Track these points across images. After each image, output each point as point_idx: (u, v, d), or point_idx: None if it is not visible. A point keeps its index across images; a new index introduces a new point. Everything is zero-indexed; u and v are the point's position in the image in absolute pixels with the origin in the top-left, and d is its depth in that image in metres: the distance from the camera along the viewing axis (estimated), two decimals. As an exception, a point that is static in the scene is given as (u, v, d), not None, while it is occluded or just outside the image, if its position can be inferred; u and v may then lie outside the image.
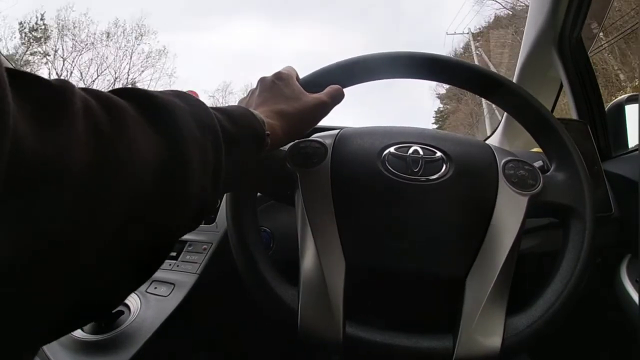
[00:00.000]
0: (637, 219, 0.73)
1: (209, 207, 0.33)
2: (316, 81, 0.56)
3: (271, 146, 0.43)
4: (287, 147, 0.54)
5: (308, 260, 0.49)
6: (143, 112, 0.27)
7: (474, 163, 0.55)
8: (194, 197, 0.30)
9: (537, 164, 0.64)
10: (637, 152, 0.78)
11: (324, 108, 0.50)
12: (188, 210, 0.30)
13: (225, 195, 0.53)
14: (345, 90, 0.54)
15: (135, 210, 0.24)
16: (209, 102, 0.37)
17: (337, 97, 0.52)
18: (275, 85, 0.49)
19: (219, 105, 0.39)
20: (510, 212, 0.51)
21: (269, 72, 0.51)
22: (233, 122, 0.37)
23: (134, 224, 0.25)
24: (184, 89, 0.36)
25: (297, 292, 0.49)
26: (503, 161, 0.55)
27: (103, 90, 0.27)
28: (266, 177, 0.54)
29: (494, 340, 0.46)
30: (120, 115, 0.25)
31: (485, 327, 0.47)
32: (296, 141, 0.55)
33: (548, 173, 0.56)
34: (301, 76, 0.56)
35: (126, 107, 0.26)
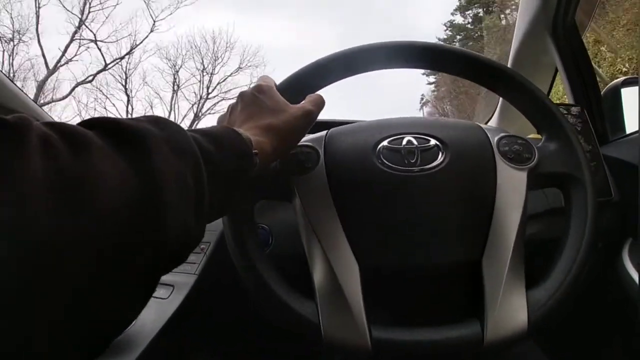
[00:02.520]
0: (637, 203, 0.73)
1: (193, 241, 0.31)
2: (294, 85, 0.54)
3: (261, 165, 0.40)
4: None
5: (320, 269, 0.48)
6: (111, 142, 0.26)
7: (468, 145, 0.55)
8: (174, 232, 0.27)
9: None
10: (637, 135, 0.78)
11: (311, 117, 0.48)
12: (167, 241, 0.27)
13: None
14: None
15: (105, 243, 0.23)
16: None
17: (321, 105, 0.50)
18: (258, 99, 0.47)
19: (200, 127, 0.37)
20: (512, 188, 0.51)
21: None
22: (216, 145, 0.35)
23: (107, 269, 0.23)
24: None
25: (315, 305, 0.47)
26: (496, 138, 0.55)
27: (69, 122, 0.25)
28: (260, 188, 0.53)
29: (521, 318, 0.46)
30: (83, 147, 0.23)
31: (510, 305, 0.47)
32: None
33: (539, 144, 0.56)
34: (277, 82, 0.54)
35: (91, 138, 0.24)
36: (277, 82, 0.54)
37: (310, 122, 0.48)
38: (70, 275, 0.21)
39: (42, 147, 0.21)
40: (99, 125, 0.27)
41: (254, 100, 0.47)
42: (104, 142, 0.25)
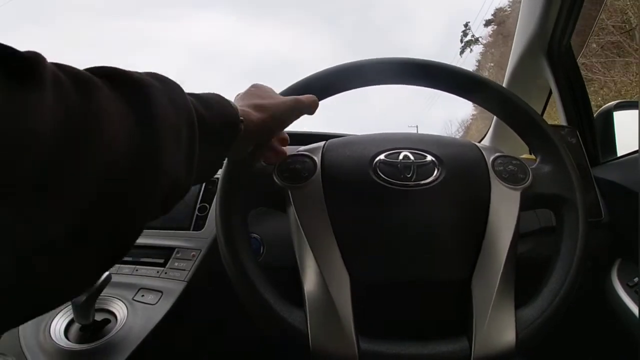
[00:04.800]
0: (627, 224, 0.74)
1: (180, 190, 0.33)
2: (296, 93, 0.55)
3: (247, 134, 0.43)
4: (274, 165, 0.54)
5: (311, 279, 0.48)
6: (115, 88, 0.27)
7: (464, 163, 0.55)
8: (166, 176, 0.29)
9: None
10: (633, 157, 0.79)
11: (300, 106, 0.51)
12: (159, 188, 0.29)
13: (215, 214, 0.52)
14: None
15: (103, 183, 0.24)
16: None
17: (312, 103, 0.52)
18: (251, 90, 0.50)
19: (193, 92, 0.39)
20: (505, 208, 0.52)
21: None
22: (207, 107, 0.37)
23: (103, 197, 0.24)
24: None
25: (305, 314, 0.47)
26: (491, 158, 0.56)
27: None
28: (256, 194, 0.54)
29: (509, 336, 0.46)
30: (90, 90, 0.25)
31: (498, 324, 0.47)
32: (283, 157, 0.54)
33: (534, 166, 0.57)
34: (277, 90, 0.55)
35: (97, 83, 0.26)
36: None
37: (298, 109, 0.50)
38: (66, 209, 0.22)
39: (53, 85, 0.22)
40: (105, 73, 0.28)
41: (247, 92, 0.50)
42: (109, 88, 0.27)
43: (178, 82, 0.35)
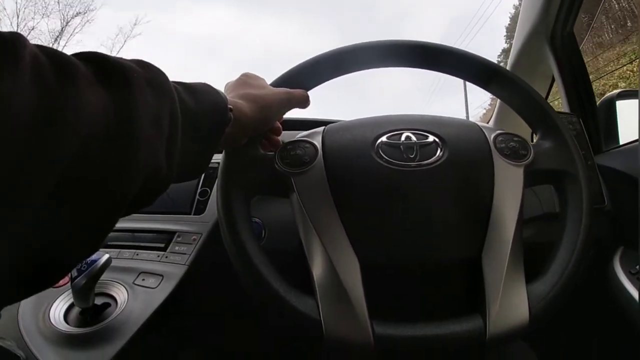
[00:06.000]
0: (630, 212, 0.73)
1: (162, 184, 0.32)
2: (286, 84, 0.55)
3: (238, 125, 0.42)
4: (273, 152, 0.53)
5: (319, 265, 0.48)
6: (95, 72, 0.27)
7: (466, 142, 0.55)
8: (143, 163, 0.28)
9: None
10: (637, 144, 0.78)
11: (291, 99, 0.51)
12: (137, 176, 0.28)
13: (217, 200, 0.51)
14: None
15: (78, 167, 0.24)
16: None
17: (302, 97, 0.53)
18: (241, 80, 0.50)
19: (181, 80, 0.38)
20: (509, 184, 0.52)
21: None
22: (193, 95, 0.37)
23: (77, 181, 0.24)
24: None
25: (315, 301, 0.47)
26: (493, 135, 0.56)
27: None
28: (257, 180, 0.53)
29: (522, 311, 0.46)
30: (69, 73, 0.24)
31: (510, 300, 0.47)
32: (283, 144, 0.54)
33: (534, 142, 0.57)
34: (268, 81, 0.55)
35: (78, 66, 0.25)
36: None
37: (289, 102, 0.51)
38: (35, 194, 0.22)
39: (32, 66, 0.22)
40: (87, 57, 0.28)
41: (238, 81, 0.50)
42: (89, 72, 0.26)
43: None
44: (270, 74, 0.54)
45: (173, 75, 0.35)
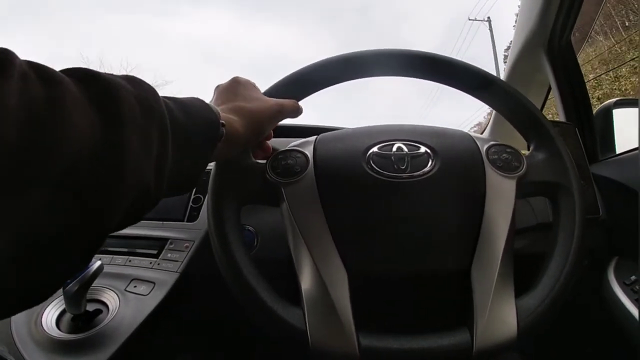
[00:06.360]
0: (625, 222, 0.73)
1: (151, 201, 0.32)
2: (280, 93, 0.55)
3: (230, 141, 0.42)
4: (266, 160, 0.53)
5: (307, 275, 0.48)
6: (84, 90, 0.27)
7: (458, 153, 0.55)
8: (131, 182, 0.28)
9: None
10: (637, 153, 0.78)
11: (283, 111, 0.50)
12: (125, 195, 0.28)
13: (208, 209, 0.51)
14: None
15: (64, 186, 0.23)
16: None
17: (293, 108, 0.53)
18: (232, 86, 0.49)
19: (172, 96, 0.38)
20: (501, 196, 0.51)
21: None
22: (184, 111, 0.36)
23: (64, 199, 0.24)
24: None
25: (302, 311, 0.47)
26: (485, 147, 0.55)
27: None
28: (248, 190, 0.53)
29: (510, 325, 0.46)
30: (58, 90, 0.24)
31: (499, 314, 0.46)
32: (275, 153, 0.54)
33: (527, 153, 0.56)
34: (262, 89, 0.55)
35: (67, 83, 0.25)
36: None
37: (280, 113, 0.50)
38: (23, 214, 0.22)
39: (21, 83, 0.22)
40: (77, 74, 0.28)
41: (229, 87, 0.49)
42: (78, 90, 0.26)
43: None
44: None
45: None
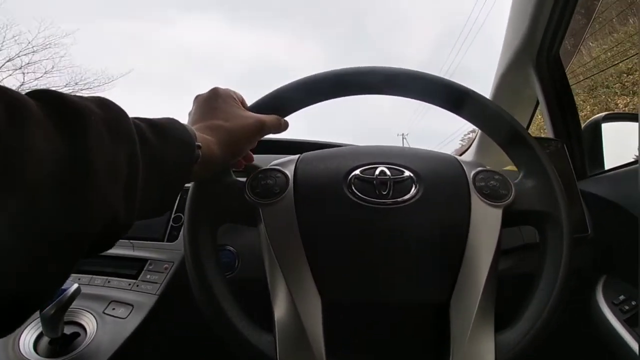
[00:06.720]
0: (615, 240, 0.72)
1: (121, 228, 0.31)
2: (267, 107, 0.54)
3: (206, 162, 0.41)
4: (245, 178, 0.52)
5: (281, 302, 0.47)
6: (50, 115, 0.26)
7: (443, 179, 0.53)
8: (98, 209, 0.27)
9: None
10: (622, 171, 0.78)
11: (263, 128, 0.49)
12: (92, 222, 0.27)
13: (183, 231, 0.50)
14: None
15: (28, 212, 0.23)
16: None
17: (276, 124, 0.52)
18: (211, 101, 0.49)
19: (147, 117, 0.37)
20: (486, 226, 0.50)
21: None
22: (157, 133, 0.35)
23: (28, 226, 0.23)
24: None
25: (274, 338, 0.46)
26: (472, 173, 0.54)
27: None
28: (226, 210, 0.52)
29: None
30: (21, 116, 0.24)
31: (477, 349, 0.45)
32: (255, 172, 0.53)
33: (517, 180, 0.55)
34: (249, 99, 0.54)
35: (32, 109, 0.25)
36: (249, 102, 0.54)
37: (260, 132, 0.49)
38: None
39: None
40: (44, 97, 0.27)
41: (208, 102, 0.48)
42: (44, 115, 0.25)
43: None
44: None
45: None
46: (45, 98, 0.27)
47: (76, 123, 0.27)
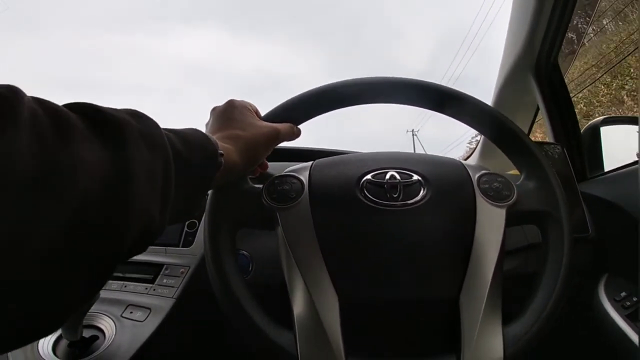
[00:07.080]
0: (615, 239, 0.74)
1: (154, 233, 0.33)
2: (279, 117, 0.56)
3: (228, 170, 0.43)
4: (260, 185, 0.54)
5: (299, 301, 0.49)
6: (92, 127, 0.27)
7: (450, 182, 0.56)
8: (138, 216, 0.29)
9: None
10: (624, 171, 0.80)
11: (278, 136, 0.51)
12: (132, 229, 0.29)
13: (203, 233, 0.52)
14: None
15: (76, 223, 0.24)
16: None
17: (290, 132, 0.54)
18: (228, 111, 0.50)
19: (171, 127, 0.39)
20: (491, 225, 0.52)
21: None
22: (184, 143, 0.37)
23: (76, 236, 0.24)
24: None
25: (294, 336, 0.48)
26: (477, 176, 0.56)
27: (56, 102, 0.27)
28: (244, 214, 0.54)
29: (496, 354, 0.47)
30: (67, 128, 0.25)
31: (486, 341, 0.47)
32: (271, 178, 0.55)
33: (518, 182, 0.57)
34: (262, 112, 0.56)
35: (75, 121, 0.26)
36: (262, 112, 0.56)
37: (275, 140, 0.51)
38: (35, 250, 0.22)
39: (30, 123, 0.22)
40: (83, 110, 0.28)
41: (225, 113, 0.50)
42: (85, 127, 0.27)
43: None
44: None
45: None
46: (85, 110, 0.28)
47: (116, 134, 0.29)
